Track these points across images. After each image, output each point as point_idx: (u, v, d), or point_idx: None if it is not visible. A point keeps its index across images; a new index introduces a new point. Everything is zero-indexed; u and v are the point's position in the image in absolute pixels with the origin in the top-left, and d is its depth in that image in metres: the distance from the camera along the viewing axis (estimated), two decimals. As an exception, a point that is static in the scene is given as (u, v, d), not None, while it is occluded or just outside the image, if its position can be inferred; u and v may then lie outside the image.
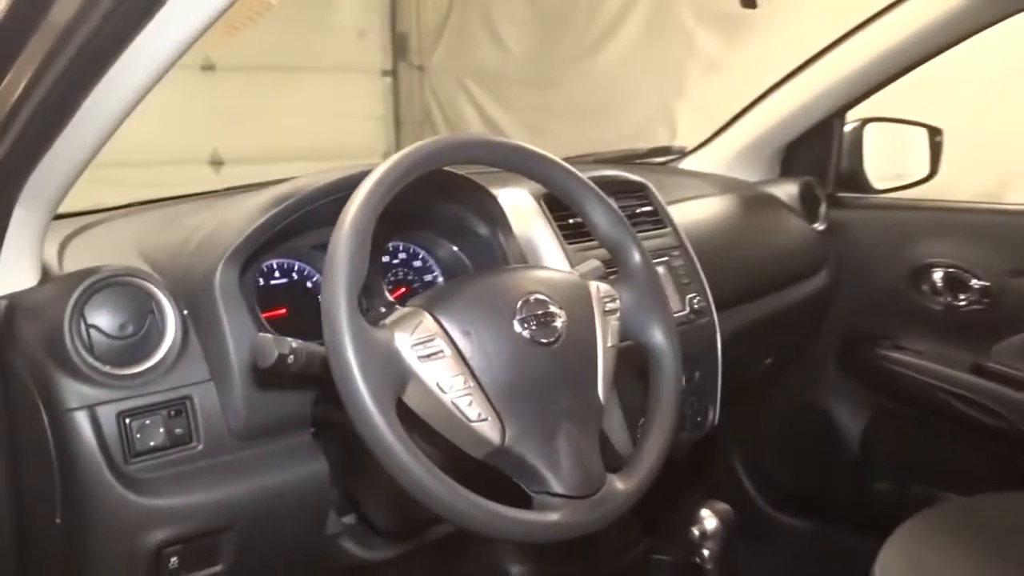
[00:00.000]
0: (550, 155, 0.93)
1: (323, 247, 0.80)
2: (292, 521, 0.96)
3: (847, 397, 1.82)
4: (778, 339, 1.72)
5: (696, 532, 1.16)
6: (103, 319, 0.86)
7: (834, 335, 1.81)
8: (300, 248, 1.05)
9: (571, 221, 1.23)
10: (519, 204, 1.21)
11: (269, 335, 0.77)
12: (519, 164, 0.92)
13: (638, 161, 2.01)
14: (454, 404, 0.79)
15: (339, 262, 0.76)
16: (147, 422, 0.87)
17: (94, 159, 0.85)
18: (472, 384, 0.80)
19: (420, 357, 0.79)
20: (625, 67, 3.83)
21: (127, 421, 0.86)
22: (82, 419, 0.84)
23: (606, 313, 0.94)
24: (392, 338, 0.78)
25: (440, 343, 0.80)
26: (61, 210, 1.29)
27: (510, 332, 0.84)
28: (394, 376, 0.77)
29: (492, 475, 0.83)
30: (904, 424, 1.77)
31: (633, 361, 0.98)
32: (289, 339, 0.78)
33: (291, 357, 0.78)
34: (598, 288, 0.94)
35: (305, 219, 0.97)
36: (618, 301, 0.95)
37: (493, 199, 1.11)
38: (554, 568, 1.51)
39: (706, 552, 1.16)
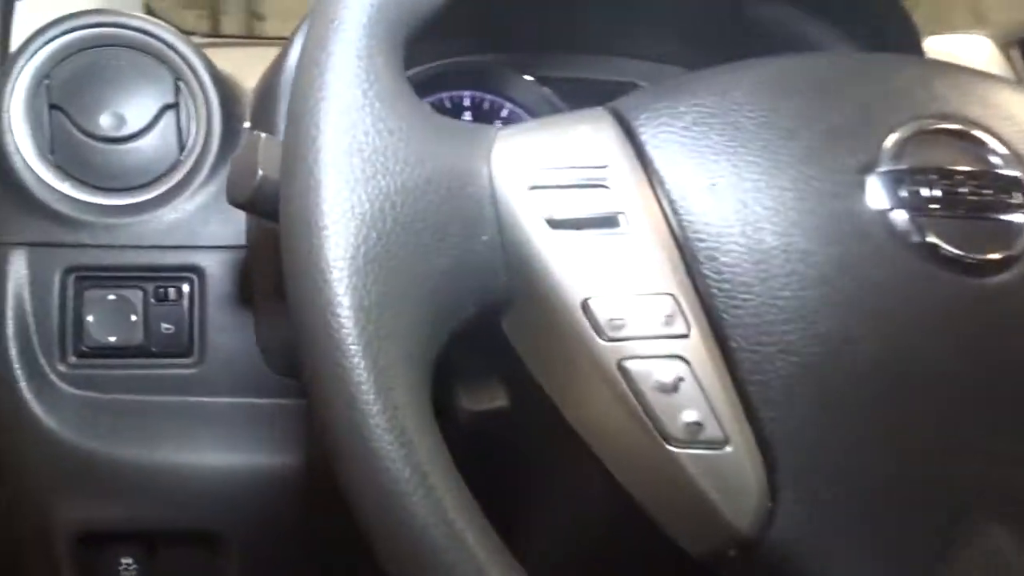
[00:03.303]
0: None
1: None
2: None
3: None
4: None
5: None
6: (80, 98, 0.48)
7: None
8: None
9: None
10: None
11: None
12: None
13: None
14: (636, 391, 0.28)
15: None
16: (111, 297, 0.47)
17: None
18: (702, 347, 0.28)
19: (559, 223, 0.28)
20: None
21: (79, 287, 0.47)
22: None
23: None
24: (474, 157, 0.29)
25: (622, 200, 0.29)
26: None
27: (852, 221, 0.29)
28: (460, 268, 0.28)
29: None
30: None
31: None
32: None
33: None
34: None
35: None
36: None
37: None
38: None
39: None
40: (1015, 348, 0.29)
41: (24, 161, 0.47)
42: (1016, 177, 0.30)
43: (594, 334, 0.28)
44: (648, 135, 0.30)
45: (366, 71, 0.28)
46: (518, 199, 0.29)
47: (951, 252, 0.29)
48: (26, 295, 0.46)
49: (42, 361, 0.46)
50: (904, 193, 0.29)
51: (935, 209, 0.29)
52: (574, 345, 0.28)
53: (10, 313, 0.46)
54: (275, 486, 0.48)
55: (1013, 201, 0.29)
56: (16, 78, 0.47)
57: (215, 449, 0.48)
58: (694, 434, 0.27)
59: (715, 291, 0.28)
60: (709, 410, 0.27)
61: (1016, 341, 0.29)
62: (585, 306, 0.28)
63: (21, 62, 0.47)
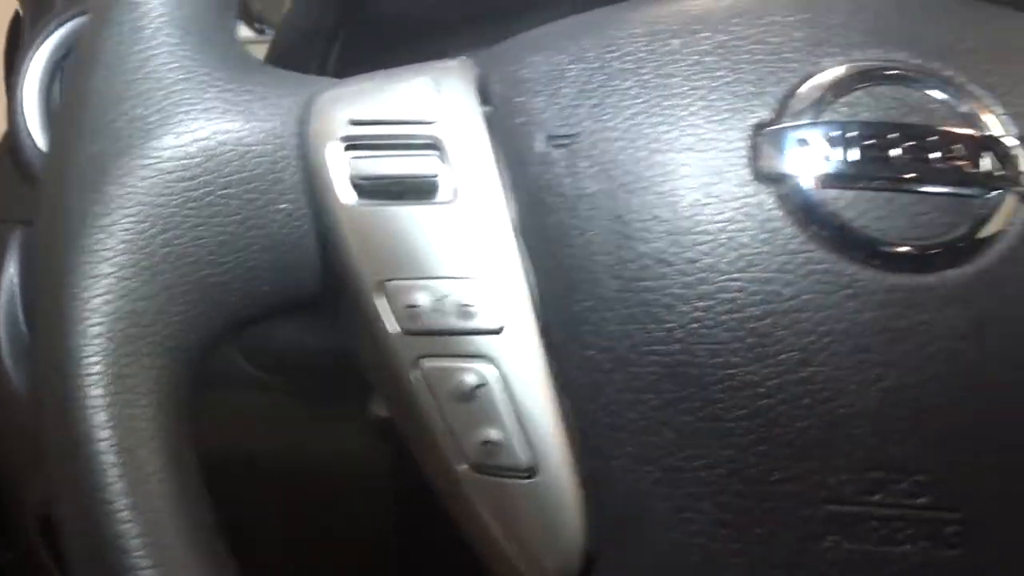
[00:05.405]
0: None
1: None
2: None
3: None
4: None
5: None
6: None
7: None
8: None
9: None
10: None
11: None
12: None
13: None
14: (434, 396, 0.23)
15: None
16: None
17: None
18: (521, 346, 0.23)
19: (367, 188, 0.24)
20: None
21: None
22: None
23: None
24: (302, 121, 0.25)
25: (449, 164, 0.24)
26: None
27: (738, 194, 0.22)
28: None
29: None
30: None
31: None
32: None
33: None
34: None
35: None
36: None
37: None
38: None
39: None
40: (966, 372, 0.21)
41: (32, 141, 0.47)
42: (986, 137, 0.21)
43: (393, 324, 0.23)
44: (499, 87, 0.24)
45: None
46: (327, 158, 0.24)
47: (871, 237, 0.21)
48: (17, 271, 0.47)
49: (25, 335, 0.46)
50: (809, 156, 0.21)
51: (853, 178, 0.21)
52: (375, 336, 0.23)
53: (4, 286, 0.47)
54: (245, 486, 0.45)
55: (979, 169, 0.21)
56: (32, 58, 0.48)
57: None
58: (490, 456, 0.21)
59: (543, 278, 0.22)
60: (516, 427, 0.21)
61: (967, 360, 0.21)
62: (383, 289, 0.23)
63: (38, 42, 0.48)
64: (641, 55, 0.23)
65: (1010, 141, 0.22)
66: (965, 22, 0.24)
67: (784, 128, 0.22)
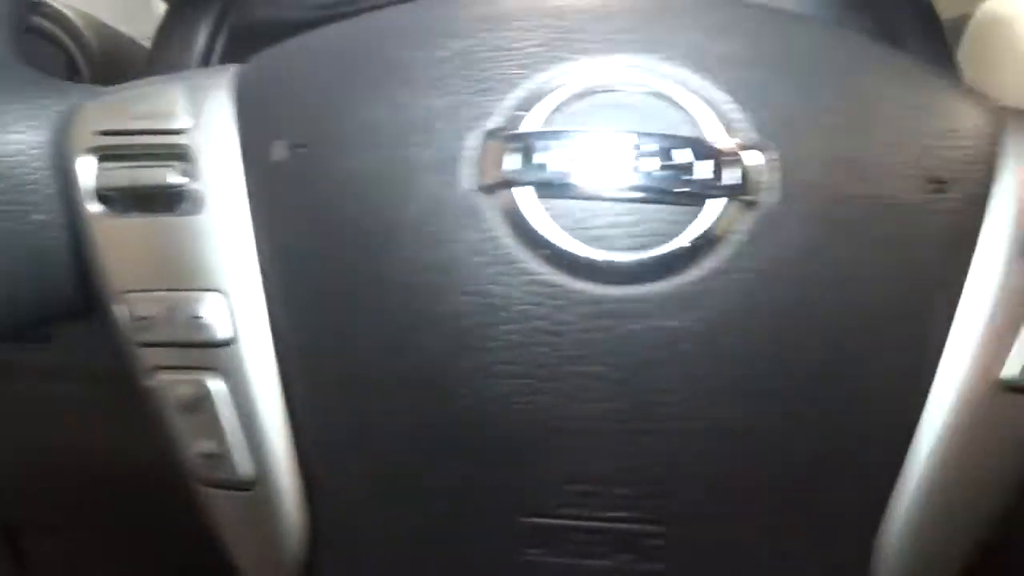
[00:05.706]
0: None
1: None
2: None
3: None
4: None
5: None
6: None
7: None
8: None
9: None
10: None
11: None
12: None
13: None
14: (163, 408, 0.23)
15: None
16: None
17: None
18: (253, 359, 0.23)
19: (113, 198, 0.24)
20: None
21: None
22: None
23: None
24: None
25: (197, 175, 0.24)
26: None
27: (452, 208, 0.22)
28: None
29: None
30: None
31: None
32: None
33: None
34: None
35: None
36: None
37: None
38: None
39: None
40: (674, 384, 0.20)
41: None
42: (710, 144, 0.21)
43: (130, 334, 0.23)
44: (255, 94, 0.24)
45: None
46: (76, 170, 0.24)
47: (584, 248, 0.20)
48: None
49: None
50: (529, 165, 0.21)
51: (570, 188, 0.21)
52: (119, 345, 0.23)
53: None
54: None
55: (694, 176, 0.21)
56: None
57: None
58: (210, 468, 0.22)
59: (276, 290, 0.22)
60: (240, 440, 0.22)
61: (676, 371, 0.20)
62: (123, 300, 0.23)
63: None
64: (385, 63, 0.23)
65: (749, 154, 0.21)
66: (721, 27, 0.23)
67: (508, 137, 0.21)
